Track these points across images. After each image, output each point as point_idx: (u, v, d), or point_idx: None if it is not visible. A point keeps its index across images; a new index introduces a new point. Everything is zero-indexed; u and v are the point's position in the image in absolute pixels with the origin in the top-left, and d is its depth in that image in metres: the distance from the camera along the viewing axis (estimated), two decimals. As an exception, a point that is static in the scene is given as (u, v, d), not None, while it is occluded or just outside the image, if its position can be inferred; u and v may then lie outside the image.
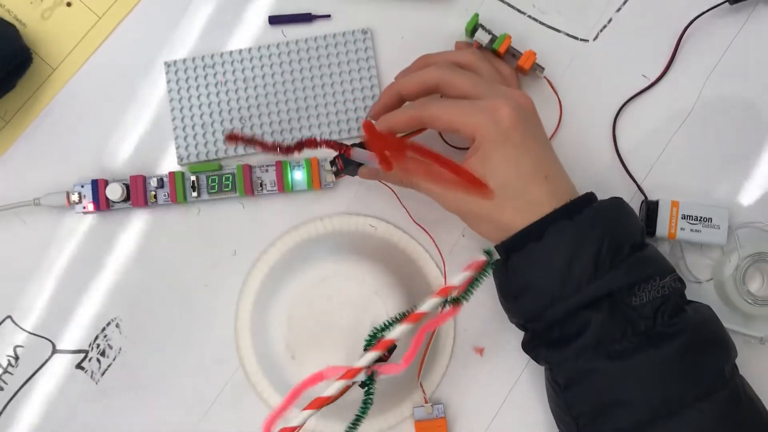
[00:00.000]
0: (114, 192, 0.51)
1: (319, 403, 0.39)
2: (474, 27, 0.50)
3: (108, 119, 0.54)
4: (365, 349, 0.43)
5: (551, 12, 0.53)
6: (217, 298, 0.52)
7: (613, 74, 0.52)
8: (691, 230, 0.49)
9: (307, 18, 0.53)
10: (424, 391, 0.50)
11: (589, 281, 0.41)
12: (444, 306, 0.40)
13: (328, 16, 0.53)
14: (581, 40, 0.53)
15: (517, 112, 0.43)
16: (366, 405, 0.43)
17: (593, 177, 0.51)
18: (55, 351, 0.53)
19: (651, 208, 0.49)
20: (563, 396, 0.44)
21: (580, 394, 0.43)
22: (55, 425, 0.52)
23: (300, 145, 0.45)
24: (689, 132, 0.51)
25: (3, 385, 0.53)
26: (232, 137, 0.42)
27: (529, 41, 0.52)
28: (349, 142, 0.51)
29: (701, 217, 0.49)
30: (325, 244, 0.51)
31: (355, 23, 0.53)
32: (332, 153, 0.50)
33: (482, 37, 0.50)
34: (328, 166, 0.51)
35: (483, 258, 0.40)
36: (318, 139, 0.45)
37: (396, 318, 0.42)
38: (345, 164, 0.48)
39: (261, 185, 0.52)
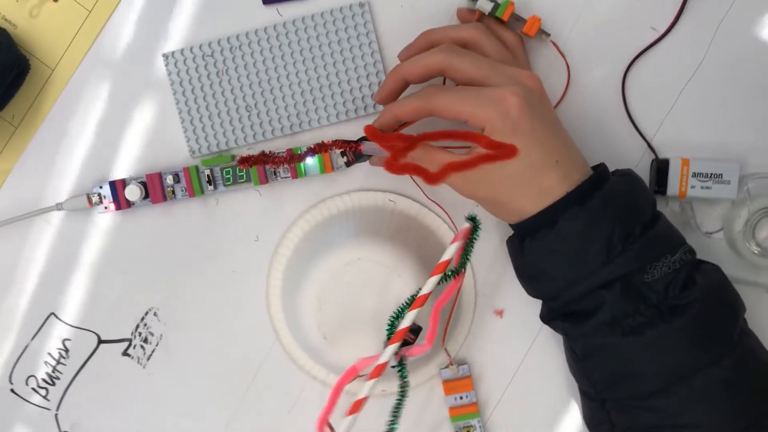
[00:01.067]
0: (133, 193, 0.53)
1: (357, 406, 0.42)
2: (475, -6, 0.49)
3: (114, 116, 0.54)
4: (388, 337, 0.46)
5: (554, -35, 0.51)
6: (246, 281, 0.55)
7: (621, 29, 0.51)
8: (702, 187, 0.49)
9: (301, -6, 0.51)
10: (449, 356, 0.53)
11: (602, 266, 0.43)
12: (447, 279, 0.43)
13: (324, -10, 0.51)
14: (587, -6, 0.51)
15: (525, 99, 0.43)
16: (403, 389, 0.46)
17: (603, 137, 0.51)
18: (100, 341, 0.56)
19: (661, 167, 0.50)
20: (581, 364, 0.47)
21: (596, 365, 0.46)
22: (110, 407, 0.56)
23: (311, 151, 0.46)
24: (699, 85, 0.51)
25: (59, 375, 0.57)
26: (244, 161, 0.43)
27: (531, 3, 0.50)
28: (357, 121, 0.51)
29: (712, 174, 0.49)
30: (345, 224, 0.53)
31: (352, -4, 0.51)
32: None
33: (484, 5, 0.48)
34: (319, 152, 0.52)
35: (467, 225, 0.42)
36: (327, 141, 0.45)
37: (406, 303, 0.45)
38: (355, 156, 0.48)
39: (275, 173, 0.53)
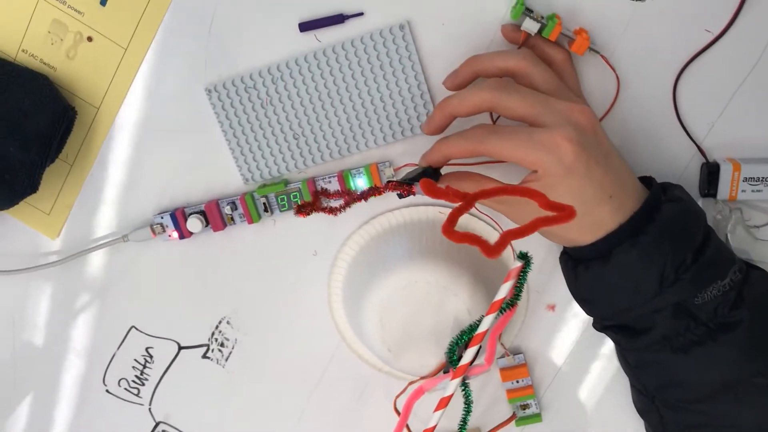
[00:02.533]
0: (195, 225, 0.55)
1: (430, 437, 0.47)
2: (520, 13, 0.47)
3: (164, 147, 0.55)
4: (449, 360, 0.50)
5: (600, -30, 0.48)
6: (308, 290, 0.58)
7: (673, 33, 0.49)
8: (752, 191, 0.50)
9: (339, 19, 0.50)
10: (505, 348, 0.57)
11: (655, 296, 0.45)
12: (502, 312, 0.46)
13: (361, 13, 0.50)
14: (636, 0, 0.48)
15: (579, 143, 0.43)
16: (468, 405, 0.51)
17: (652, 141, 0.51)
18: (181, 348, 0.61)
19: (712, 170, 0.50)
20: (632, 371, 0.50)
21: (647, 374, 0.49)
22: (196, 401, 0.62)
23: (366, 195, 0.47)
24: (753, 86, 0.49)
25: (147, 376, 0.62)
26: (301, 210, 0.47)
27: (578, 14, 0.48)
28: (403, 142, 0.52)
29: (762, 178, 0.49)
30: (399, 238, 0.55)
31: (391, 16, 0.49)
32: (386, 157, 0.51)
33: (530, 27, 0.47)
34: (389, 173, 0.53)
35: (519, 264, 0.45)
36: (382, 185, 0.47)
37: (466, 331, 0.48)
38: (409, 193, 0.49)
39: (327, 195, 0.54)
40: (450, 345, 0.50)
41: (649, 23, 0.49)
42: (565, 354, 0.58)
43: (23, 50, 0.53)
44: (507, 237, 0.39)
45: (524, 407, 0.59)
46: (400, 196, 0.50)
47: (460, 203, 0.40)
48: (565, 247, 0.49)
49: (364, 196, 0.47)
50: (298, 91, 0.52)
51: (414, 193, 0.47)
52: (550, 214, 0.36)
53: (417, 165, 0.50)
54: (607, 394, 0.58)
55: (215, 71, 0.52)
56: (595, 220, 0.45)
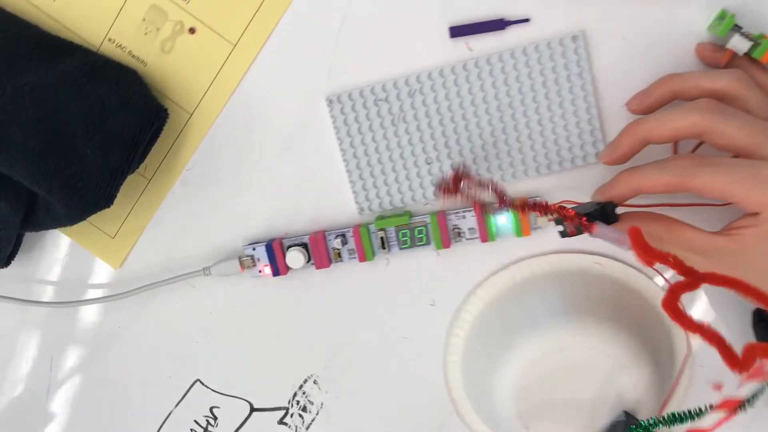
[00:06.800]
0: (296, 260, 0.45)
1: None
2: (728, 29, 0.39)
3: (263, 166, 0.46)
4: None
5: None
6: (420, 350, 0.48)
7: None
8: None
9: (498, 25, 0.42)
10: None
11: None
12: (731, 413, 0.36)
13: (526, 20, 0.42)
14: None
15: None
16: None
17: None
18: (253, 410, 0.51)
19: None
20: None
21: None
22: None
23: (525, 207, 0.38)
24: None
25: (207, 442, 0.52)
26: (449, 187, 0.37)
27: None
28: (555, 179, 0.44)
29: None
30: (543, 292, 0.45)
31: (562, 25, 0.42)
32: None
33: (739, 44, 0.39)
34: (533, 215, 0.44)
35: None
36: (553, 205, 0.38)
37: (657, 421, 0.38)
38: (578, 230, 0.41)
39: (459, 234, 0.45)
40: None
41: None
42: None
43: (109, 39, 0.44)
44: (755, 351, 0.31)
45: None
46: (563, 234, 0.41)
47: (681, 278, 0.32)
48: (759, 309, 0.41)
49: (522, 207, 0.38)
50: (438, 107, 0.43)
51: (592, 232, 0.38)
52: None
53: (575, 203, 0.42)
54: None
55: (340, 78, 0.44)
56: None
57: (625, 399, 0.42)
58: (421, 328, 0.48)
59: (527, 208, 0.39)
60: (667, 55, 0.41)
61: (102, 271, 0.48)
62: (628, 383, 0.42)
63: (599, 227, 0.38)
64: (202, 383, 0.50)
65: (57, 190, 0.40)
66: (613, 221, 0.39)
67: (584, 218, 0.38)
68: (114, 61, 0.43)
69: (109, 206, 0.42)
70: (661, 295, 0.45)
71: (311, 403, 0.50)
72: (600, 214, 0.39)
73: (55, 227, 0.44)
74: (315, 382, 0.50)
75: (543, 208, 0.38)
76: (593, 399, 0.43)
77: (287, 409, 0.50)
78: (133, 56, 0.44)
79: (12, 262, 0.47)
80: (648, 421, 0.39)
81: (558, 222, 0.41)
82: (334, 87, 0.44)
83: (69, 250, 0.48)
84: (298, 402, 0.50)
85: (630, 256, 0.44)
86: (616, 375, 0.42)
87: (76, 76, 0.41)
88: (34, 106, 0.40)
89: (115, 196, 0.42)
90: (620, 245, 0.37)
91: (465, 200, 0.40)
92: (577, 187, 0.44)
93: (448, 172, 0.43)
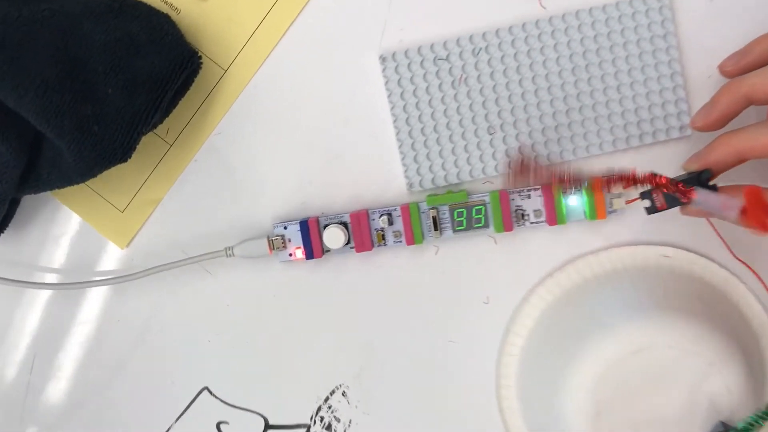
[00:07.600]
0: (335, 239, 0.39)
1: None
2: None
3: (303, 133, 0.40)
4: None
5: None
6: (469, 357, 0.42)
7: None
8: None
9: (576, -21, 0.38)
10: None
11: None
12: None
13: (607, -26, 0.38)
14: None
15: None
16: None
17: None
18: (268, 426, 0.43)
19: None
20: None
21: None
22: None
23: (607, 181, 0.33)
24: None
25: (209, 466, 0.43)
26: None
27: None
28: (633, 155, 0.39)
29: None
30: (619, 290, 0.39)
31: (644, -17, 0.38)
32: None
33: None
34: (618, 190, 0.38)
35: None
36: (637, 174, 0.33)
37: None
38: (668, 202, 0.35)
39: (522, 216, 0.39)
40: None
41: None
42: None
43: (141, -17, 0.39)
44: None
45: None
46: (651, 210, 0.36)
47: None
48: None
49: (606, 183, 0.33)
50: (505, 69, 0.39)
51: (692, 199, 0.33)
52: None
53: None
54: None
55: (396, 33, 0.39)
56: None
57: (719, 406, 0.36)
58: (471, 330, 0.41)
59: (610, 181, 0.34)
60: (762, 14, 0.37)
61: (105, 251, 0.42)
62: (720, 386, 0.35)
63: (699, 192, 0.33)
64: (210, 392, 0.43)
65: (69, 130, 0.35)
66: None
67: (680, 183, 0.33)
68: (145, 3, 0.39)
69: (125, 160, 0.36)
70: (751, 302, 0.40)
71: (337, 420, 0.43)
72: (696, 182, 0.34)
73: (60, 186, 0.38)
74: (344, 393, 0.42)
75: (629, 179, 0.34)
76: (682, 410, 0.36)
77: (309, 426, 0.43)
78: (166, 3, 0.40)
79: (4, 232, 0.40)
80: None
81: (645, 195, 0.36)
82: (388, 43, 0.39)
83: (67, 223, 0.42)
84: (322, 419, 0.43)
85: (714, 248, 0.39)
86: (705, 376, 0.36)
87: (102, 11, 0.36)
88: (53, 32, 0.35)
89: (134, 149, 0.36)
90: (726, 212, 0.32)
91: (535, 181, 0.35)
92: (659, 163, 0.38)
93: (514, 156, 0.39)
